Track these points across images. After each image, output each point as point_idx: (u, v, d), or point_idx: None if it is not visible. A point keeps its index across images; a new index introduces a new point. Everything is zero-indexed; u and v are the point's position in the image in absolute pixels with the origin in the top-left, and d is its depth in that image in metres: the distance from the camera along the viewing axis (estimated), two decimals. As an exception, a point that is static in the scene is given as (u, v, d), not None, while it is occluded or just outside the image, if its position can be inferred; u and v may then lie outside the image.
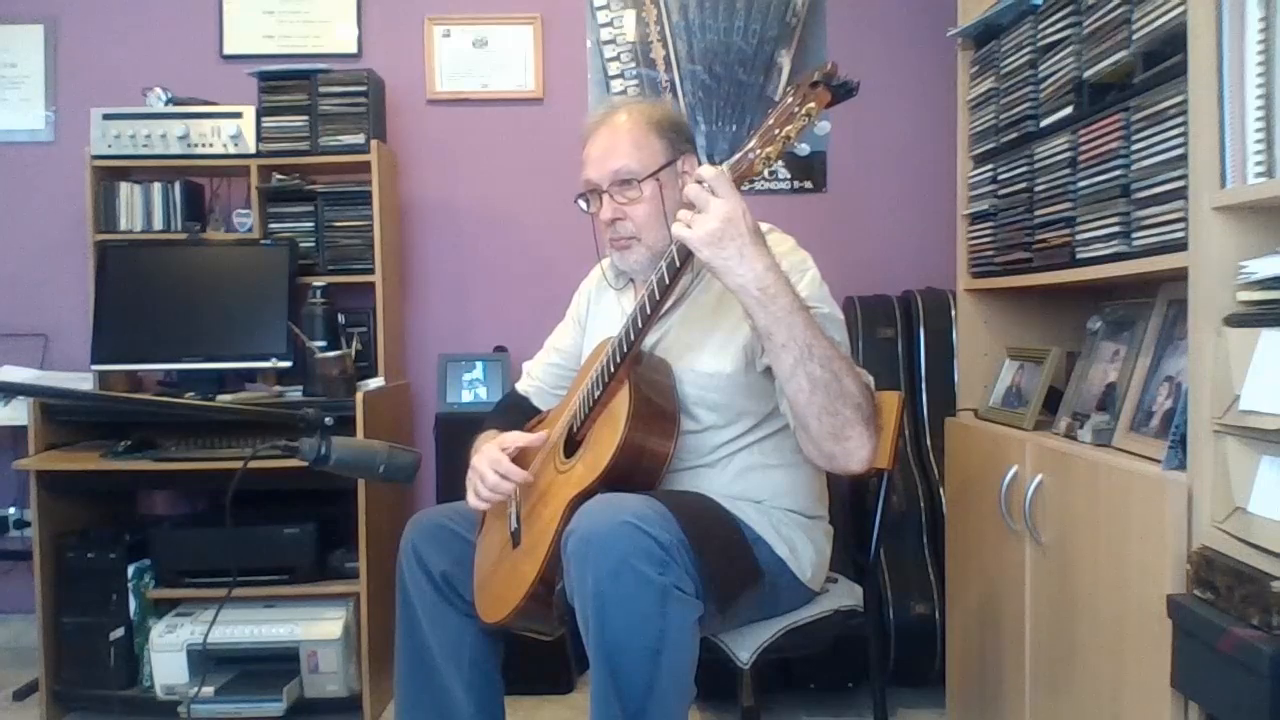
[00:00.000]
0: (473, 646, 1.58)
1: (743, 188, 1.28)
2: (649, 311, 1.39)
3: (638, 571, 1.22)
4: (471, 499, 1.54)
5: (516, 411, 1.79)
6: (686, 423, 1.49)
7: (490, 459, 1.50)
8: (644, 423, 1.38)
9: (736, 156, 1.27)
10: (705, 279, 1.56)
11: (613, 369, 1.44)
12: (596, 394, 1.47)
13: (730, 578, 1.37)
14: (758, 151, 1.24)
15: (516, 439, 1.53)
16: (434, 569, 1.57)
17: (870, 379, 1.43)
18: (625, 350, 1.42)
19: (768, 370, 1.40)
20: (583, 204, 1.60)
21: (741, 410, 1.52)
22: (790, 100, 1.23)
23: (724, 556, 1.37)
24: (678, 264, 1.33)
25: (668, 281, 1.36)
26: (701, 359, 1.52)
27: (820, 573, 1.58)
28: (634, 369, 1.44)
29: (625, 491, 1.34)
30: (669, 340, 1.56)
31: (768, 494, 1.54)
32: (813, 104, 1.20)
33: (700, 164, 1.55)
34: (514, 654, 1.67)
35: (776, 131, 1.23)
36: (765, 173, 1.29)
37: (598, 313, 1.75)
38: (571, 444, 1.52)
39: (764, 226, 1.59)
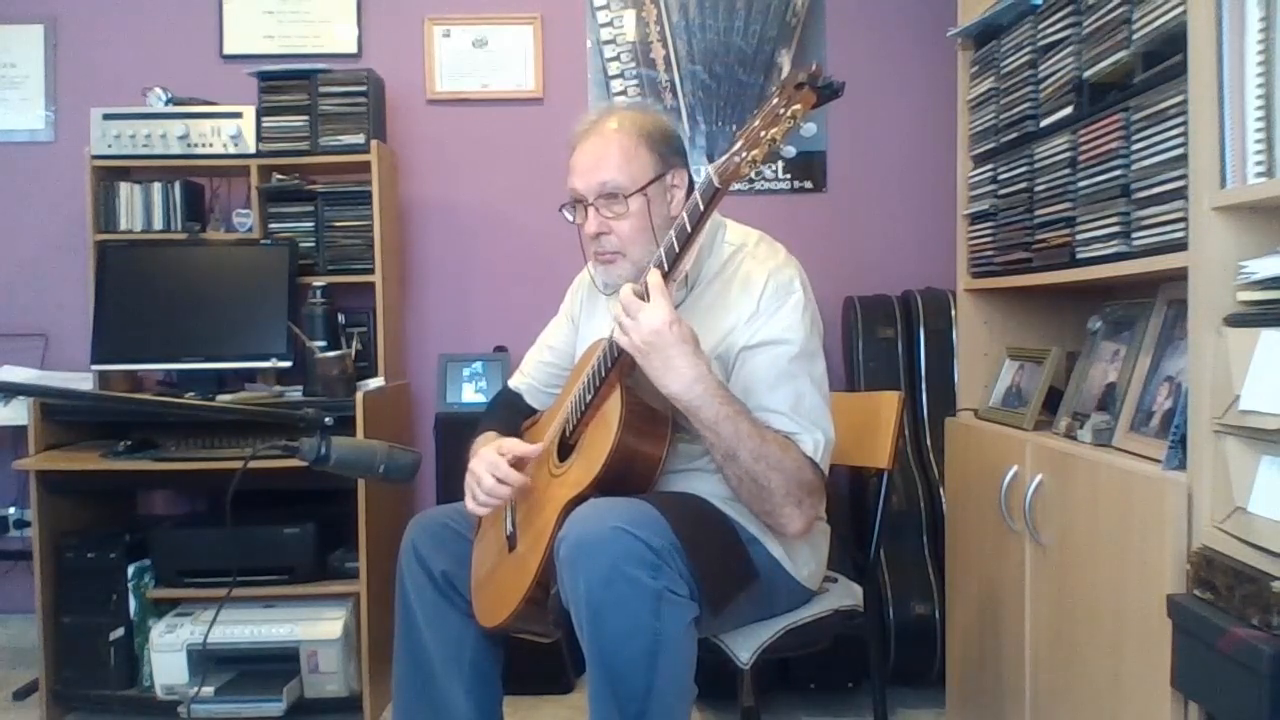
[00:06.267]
0: (473, 648, 1.57)
1: (734, 188, 1.28)
2: None
3: (630, 576, 1.22)
4: (469, 504, 1.52)
5: (510, 410, 1.78)
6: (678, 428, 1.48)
7: (488, 463, 1.48)
8: (636, 427, 1.38)
9: (722, 160, 1.26)
10: (699, 287, 1.54)
11: (604, 373, 1.43)
12: (588, 398, 1.46)
13: (724, 579, 1.36)
14: (744, 155, 1.23)
15: (514, 447, 1.50)
16: (434, 568, 1.56)
17: (820, 442, 1.42)
18: (616, 355, 1.40)
19: None
20: (567, 214, 1.56)
21: None
22: (775, 102, 1.21)
23: (717, 558, 1.36)
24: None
25: None
26: None
27: (817, 572, 1.58)
28: (625, 372, 1.43)
29: (620, 495, 1.34)
30: None
31: None
32: (798, 106, 1.19)
33: (690, 177, 1.56)
34: (513, 654, 1.67)
35: (762, 134, 1.21)
36: (753, 174, 1.29)
37: (591, 312, 1.73)
38: (565, 447, 1.51)
39: (754, 235, 1.59)
